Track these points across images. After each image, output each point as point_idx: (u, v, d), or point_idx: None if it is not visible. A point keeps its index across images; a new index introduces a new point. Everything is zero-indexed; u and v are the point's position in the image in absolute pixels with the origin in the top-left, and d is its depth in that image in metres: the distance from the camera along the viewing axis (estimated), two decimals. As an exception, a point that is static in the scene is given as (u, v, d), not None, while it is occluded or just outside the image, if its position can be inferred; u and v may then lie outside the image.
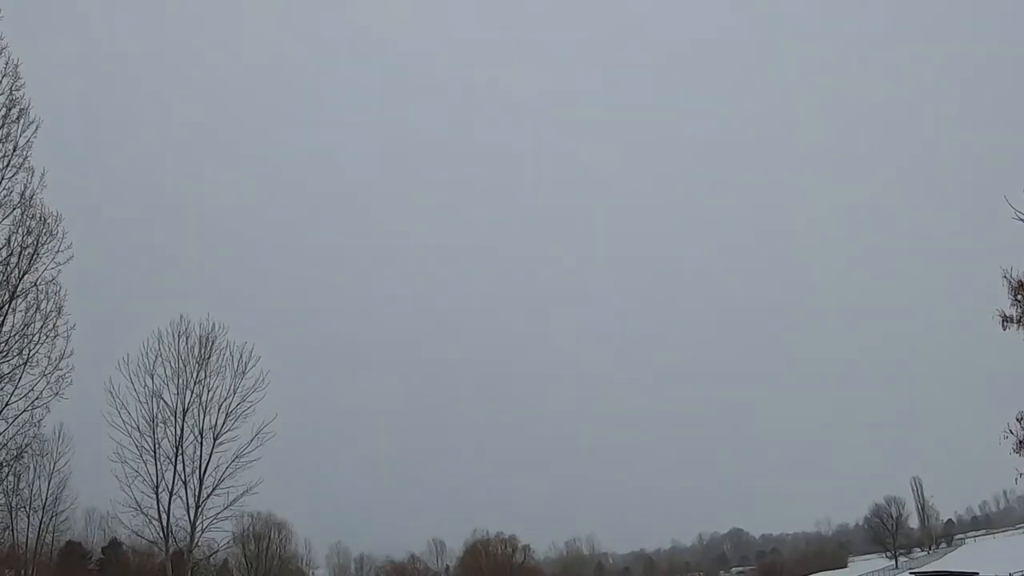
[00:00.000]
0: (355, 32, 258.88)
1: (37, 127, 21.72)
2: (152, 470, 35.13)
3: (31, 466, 51.19)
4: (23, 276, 22.27)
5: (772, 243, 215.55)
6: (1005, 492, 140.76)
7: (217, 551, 49.30)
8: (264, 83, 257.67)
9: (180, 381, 36.27)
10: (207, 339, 37.04)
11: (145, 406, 35.49)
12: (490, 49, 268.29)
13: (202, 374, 36.56)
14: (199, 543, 37.69)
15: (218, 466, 35.66)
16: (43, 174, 22.06)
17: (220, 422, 36.12)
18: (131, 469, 34.63)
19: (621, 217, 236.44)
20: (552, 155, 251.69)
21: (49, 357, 22.84)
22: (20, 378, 22.51)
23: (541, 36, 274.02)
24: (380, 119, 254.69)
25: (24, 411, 23.12)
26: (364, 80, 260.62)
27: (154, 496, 34.98)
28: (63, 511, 58.52)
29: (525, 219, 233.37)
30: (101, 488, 41.65)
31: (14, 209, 21.78)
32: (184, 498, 35.38)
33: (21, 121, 21.45)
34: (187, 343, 36.79)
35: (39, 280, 22.68)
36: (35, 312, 22.62)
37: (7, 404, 22.71)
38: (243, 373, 36.62)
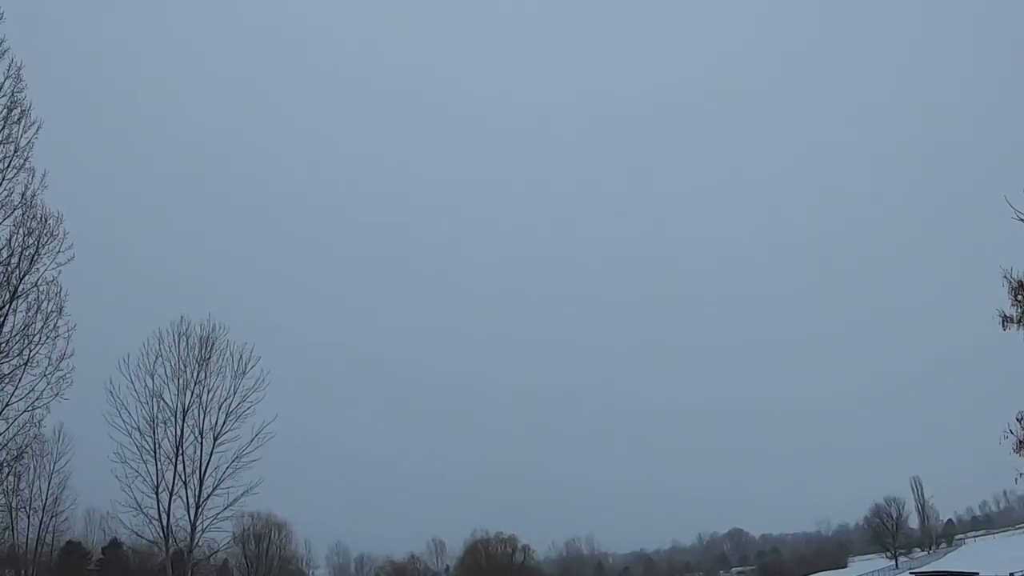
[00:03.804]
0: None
1: (38, 128, 21.72)
2: (152, 470, 35.19)
3: (31, 466, 51.32)
4: (24, 277, 22.25)
5: (773, 252, 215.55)
6: (1005, 492, 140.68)
7: (217, 551, 49.47)
8: (266, 87, 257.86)
9: (180, 381, 36.32)
10: (207, 339, 37.09)
11: (145, 406, 35.58)
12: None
13: (202, 374, 36.61)
14: (199, 543, 37.75)
15: (218, 466, 35.74)
16: (44, 175, 22.05)
17: (220, 422, 36.20)
18: (131, 469, 34.71)
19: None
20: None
21: (49, 358, 22.89)
22: (20, 379, 22.52)
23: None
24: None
25: (24, 411, 23.17)
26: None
27: (154, 496, 34.99)
28: (63, 511, 58.81)
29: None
30: (101, 488, 41.74)
31: (15, 210, 21.75)
32: (184, 498, 35.42)
33: (22, 122, 21.41)
34: (187, 343, 36.82)
35: (40, 281, 22.69)
36: (36, 313, 22.63)
37: (7, 405, 22.70)
38: (243, 373, 36.73)
